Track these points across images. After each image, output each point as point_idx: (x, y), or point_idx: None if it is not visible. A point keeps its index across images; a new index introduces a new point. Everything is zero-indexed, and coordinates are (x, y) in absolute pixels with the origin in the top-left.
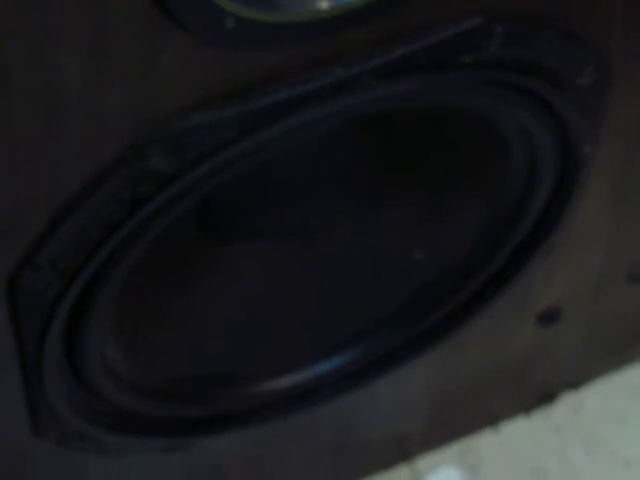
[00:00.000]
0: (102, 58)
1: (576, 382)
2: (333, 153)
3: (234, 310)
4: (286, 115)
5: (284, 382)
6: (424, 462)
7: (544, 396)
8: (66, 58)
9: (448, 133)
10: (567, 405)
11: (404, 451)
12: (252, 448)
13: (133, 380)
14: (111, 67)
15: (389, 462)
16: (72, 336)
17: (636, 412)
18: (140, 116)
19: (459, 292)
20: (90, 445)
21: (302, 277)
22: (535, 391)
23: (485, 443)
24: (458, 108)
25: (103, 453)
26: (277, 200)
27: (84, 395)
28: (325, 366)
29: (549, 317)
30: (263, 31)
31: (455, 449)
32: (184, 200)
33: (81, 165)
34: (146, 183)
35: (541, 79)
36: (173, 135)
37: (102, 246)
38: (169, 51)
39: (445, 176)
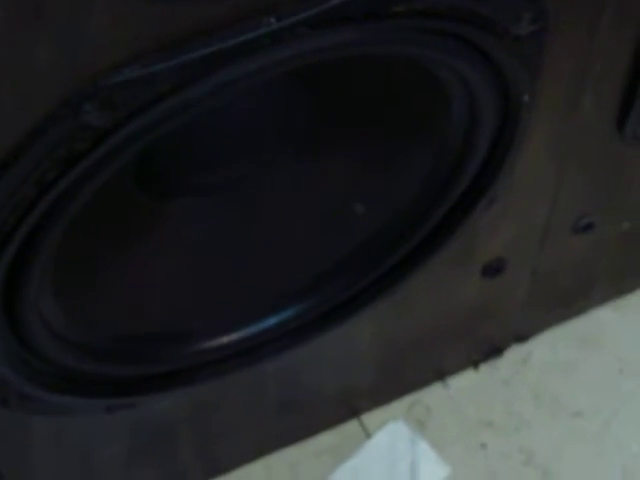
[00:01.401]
0: (30, 12)
1: (523, 335)
2: (270, 106)
3: (176, 267)
4: (220, 68)
5: (228, 338)
6: (372, 417)
7: (492, 349)
8: None
9: (387, 83)
10: (515, 358)
11: (352, 407)
12: (198, 406)
13: (74, 339)
14: (40, 21)
15: (337, 418)
16: (10, 294)
17: (584, 363)
18: (73, 71)
19: (402, 245)
20: (33, 406)
21: (244, 232)
22: (483, 345)
23: (433, 397)
24: (395, 57)
25: (47, 414)
26: (215, 155)
27: (25, 355)
28: (270, 321)
29: (494, 269)
30: None
31: (404, 404)
32: (120, 156)
33: (13, 123)
34: (81, 139)
35: (477, 28)
36: (107, 90)
37: (37, 205)
38: (100, 4)
39: (386, 127)
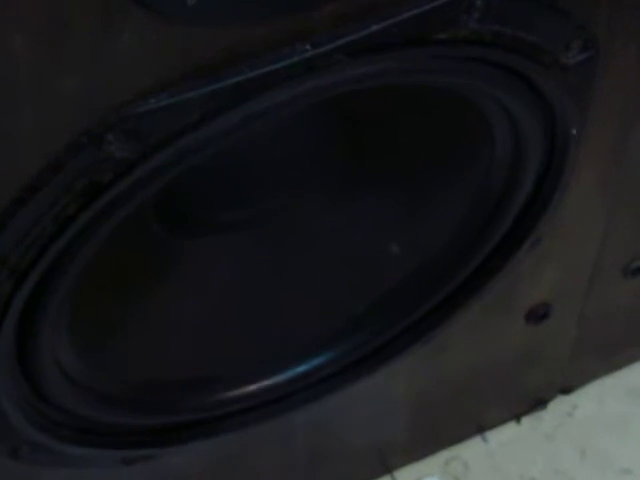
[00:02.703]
0: (55, 38)
1: (569, 386)
2: (303, 139)
3: (200, 310)
4: (252, 97)
5: (255, 387)
6: (406, 474)
7: (535, 401)
8: (17, 39)
9: (426, 117)
10: (560, 411)
11: (385, 462)
12: (221, 458)
13: (91, 387)
14: (64, 48)
15: (369, 474)
16: (25, 339)
17: (634, 417)
18: (96, 99)
19: (440, 288)
20: (45, 457)
21: (273, 273)
22: (525, 396)
23: (472, 452)
24: (436, 89)
25: (59, 465)
26: (243, 190)
27: (39, 403)
28: (300, 369)
29: (538, 315)
30: (227, 6)
31: (440, 459)
32: (144, 190)
33: (34, 153)
34: (104, 171)
35: (524, 56)
36: (132, 119)
37: (56, 241)
38: (127, 30)
39: (423, 163)
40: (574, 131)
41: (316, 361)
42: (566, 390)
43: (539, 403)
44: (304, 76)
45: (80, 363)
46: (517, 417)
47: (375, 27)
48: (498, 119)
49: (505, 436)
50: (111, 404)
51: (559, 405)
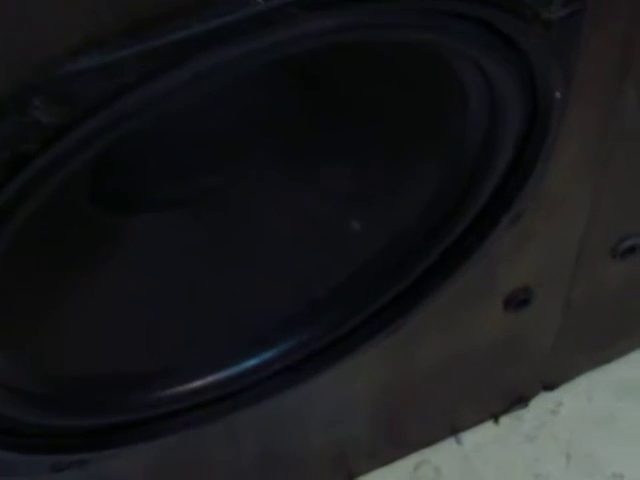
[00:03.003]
0: None
1: (553, 382)
2: (253, 104)
3: (137, 297)
4: (196, 55)
5: (200, 383)
6: None
7: (515, 399)
8: None
9: (392, 78)
10: (542, 409)
11: (347, 467)
12: (162, 463)
13: (14, 383)
14: None
15: None
16: None
17: (624, 415)
18: (19, 59)
19: (409, 271)
20: None
21: (220, 255)
22: (504, 393)
23: (445, 456)
24: (403, 47)
25: None
26: (187, 162)
27: None
28: (250, 362)
29: (519, 301)
30: None
31: (408, 464)
32: (75, 161)
33: None
34: (29, 139)
35: (501, 9)
36: (61, 80)
37: None
38: None
39: (389, 129)
40: (558, 94)
41: (268, 354)
42: (550, 386)
43: (519, 401)
44: (255, 32)
45: (3, 356)
46: (495, 416)
47: None
48: (472, 80)
49: (481, 438)
50: (37, 403)
51: (542, 403)
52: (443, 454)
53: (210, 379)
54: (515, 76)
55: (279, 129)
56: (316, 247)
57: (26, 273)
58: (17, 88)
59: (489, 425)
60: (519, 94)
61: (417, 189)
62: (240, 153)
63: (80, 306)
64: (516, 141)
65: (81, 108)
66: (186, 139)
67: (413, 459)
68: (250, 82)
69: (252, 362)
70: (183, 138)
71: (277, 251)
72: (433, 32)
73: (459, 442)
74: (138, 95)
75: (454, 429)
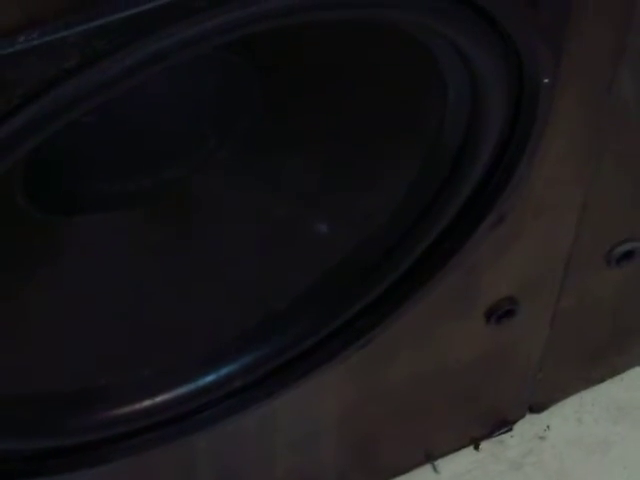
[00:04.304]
0: None
1: (540, 403)
2: (207, 91)
3: (85, 306)
4: (144, 36)
5: (151, 402)
6: None
7: (498, 423)
8: None
9: (365, 62)
10: (528, 434)
11: None
12: None
13: None
14: None
15: None
16: None
17: (618, 441)
18: None
19: (380, 278)
20: None
21: (173, 260)
22: (486, 416)
23: None
24: (375, 27)
25: None
26: (135, 156)
27: None
28: (206, 379)
29: (502, 313)
30: None
31: None
32: (11, 153)
33: None
34: None
35: None
36: None
37: None
38: None
39: (361, 119)
40: (546, 80)
41: (226, 369)
42: (537, 408)
43: (503, 424)
44: (211, 8)
45: None
46: (475, 442)
47: None
48: (452, 67)
49: (461, 466)
50: None
51: (528, 427)
52: None
53: (161, 398)
54: (498, 60)
55: (237, 120)
56: (278, 253)
57: None
58: None
59: (469, 451)
60: (503, 81)
61: (389, 186)
62: (194, 147)
63: (16, 316)
64: (500, 134)
65: (18, 94)
66: (133, 130)
67: None
68: (205, 68)
69: (209, 378)
70: (130, 129)
71: (236, 257)
72: (404, 10)
73: (436, 470)
74: (80, 81)
75: (430, 455)
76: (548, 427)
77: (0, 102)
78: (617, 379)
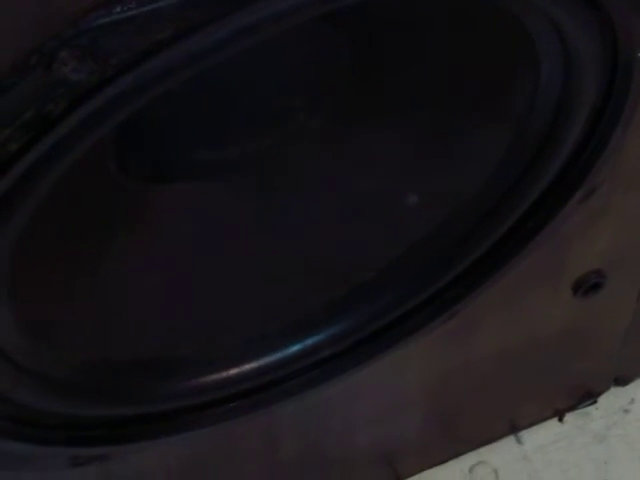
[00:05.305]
0: None
1: (626, 376)
2: (298, 62)
3: (169, 274)
4: (238, 8)
5: (236, 371)
6: None
7: (582, 395)
8: None
9: (455, 34)
10: (613, 406)
11: (394, 468)
12: (190, 459)
13: (32, 366)
14: None
15: None
16: None
17: None
18: (46, 9)
19: (468, 250)
20: None
21: (258, 230)
22: (570, 388)
23: (503, 457)
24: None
25: None
26: (224, 125)
27: None
28: (291, 349)
29: (589, 286)
30: None
31: (463, 465)
32: (105, 122)
33: None
34: (55, 99)
35: None
36: (90, 34)
37: None
38: None
39: (451, 91)
40: None
41: (312, 339)
42: (622, 381)
43: (587, 397)
44: None
45: (20, 337)
46: (559, 414)
47: None
48: (545, 37)
49: (544, 437)
50: (57, 390)
51: (612, 399)
52: (502, 454)
53: (248, 366)
54: (592, 32)
55: (326, 91)
56: (367, 224)
57: (47, 247)
58: (43, 41)
59: (553, 423)
60: (597, 53)
61: (479, 160)
62: (283, 118)
63: (109, 285)
64: (592, 106)
65: (112, 64)
66: (224, 101)
67: (468, 459)
68: (295, 42)
69: (295, 348)
70: (221, 99)
71: (324, 228)
72: None
73: (520, 441)
74: (174, 52)
75: (514, 427)
76: (633, 400)
77: (95, 72)
78: None
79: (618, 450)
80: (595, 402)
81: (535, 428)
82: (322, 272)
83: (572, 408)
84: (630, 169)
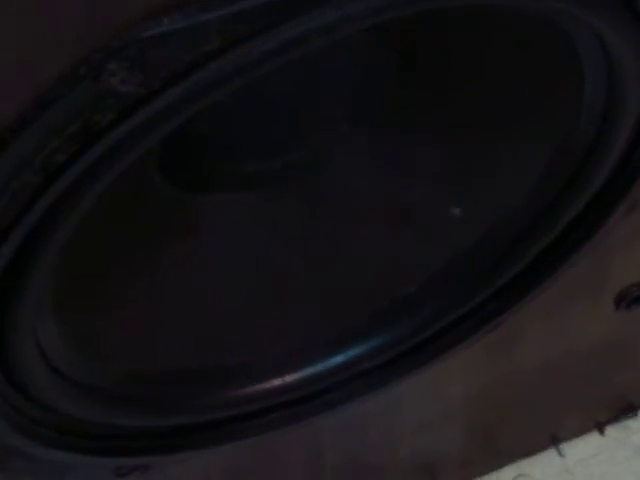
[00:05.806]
0: None
1: None
2: (344, 75)
3: (214, 284)
4: (285, 20)
5: (279, 382)
6: None
7: (623, 407)
8: None
9: (501, 47)
10: None
11: (436, 479)
12: (232, 470)
13: (79, 379)
14: None
15: None
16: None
17: None
18: (94, 20)
19: (511, 263)
20: (20, 464)
21: (303, 240)
22: (611, 400)
23: (544, 469)
24: (513, 11)
25: (39, 476)
26: (269, 136)
27: (15, 398)
28: (334, 360)
29: (632, 299)
30: None
31: (505, 477)
32: (152, 134)
33: (13, 88)
34: (103, 109)
35: None
36: (139, 45)
37: (41, 196)
38: None
39: (496, 103)
40: None
41: (355, 351)
42: None
43: (629, 409)
44: None
45: (66, 348)
46: (601, 426)
47: None
48: (589, 50)
49: (586, 450)
50: (103, 401)
51: None
52: (543, 467)
53: (290, 378)
54: (636, 45)
55: (371, 103)
56: (410, 237)
57: (93, 257)
58: (91, 52)
59: (594, 436)
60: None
61: (523, 173)
62: (328, 130)
63: (154, 295)
64: (637, 117)
65: (160, 76)
66: (269, 111)
67: (509, 472)
68: (342, 52)
69: (338, 359)
70: (266, 110)
71: (365, 239)
72: None
73: (561, 454)
74: (222, 64)
75: (556, 439)
76: None
77: (143, 83)
78: None
79: None
80: (636, 415)
81: (575, 441)
82: (365, 285)
83: (613, 421)
84: None
